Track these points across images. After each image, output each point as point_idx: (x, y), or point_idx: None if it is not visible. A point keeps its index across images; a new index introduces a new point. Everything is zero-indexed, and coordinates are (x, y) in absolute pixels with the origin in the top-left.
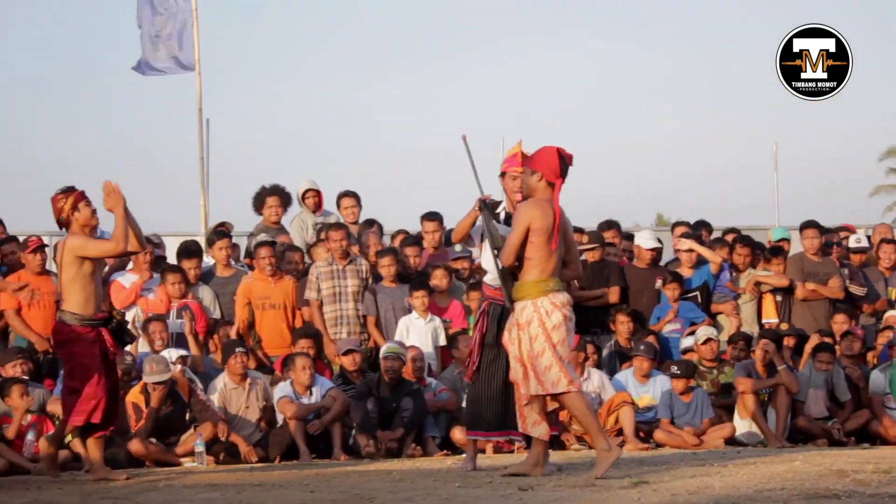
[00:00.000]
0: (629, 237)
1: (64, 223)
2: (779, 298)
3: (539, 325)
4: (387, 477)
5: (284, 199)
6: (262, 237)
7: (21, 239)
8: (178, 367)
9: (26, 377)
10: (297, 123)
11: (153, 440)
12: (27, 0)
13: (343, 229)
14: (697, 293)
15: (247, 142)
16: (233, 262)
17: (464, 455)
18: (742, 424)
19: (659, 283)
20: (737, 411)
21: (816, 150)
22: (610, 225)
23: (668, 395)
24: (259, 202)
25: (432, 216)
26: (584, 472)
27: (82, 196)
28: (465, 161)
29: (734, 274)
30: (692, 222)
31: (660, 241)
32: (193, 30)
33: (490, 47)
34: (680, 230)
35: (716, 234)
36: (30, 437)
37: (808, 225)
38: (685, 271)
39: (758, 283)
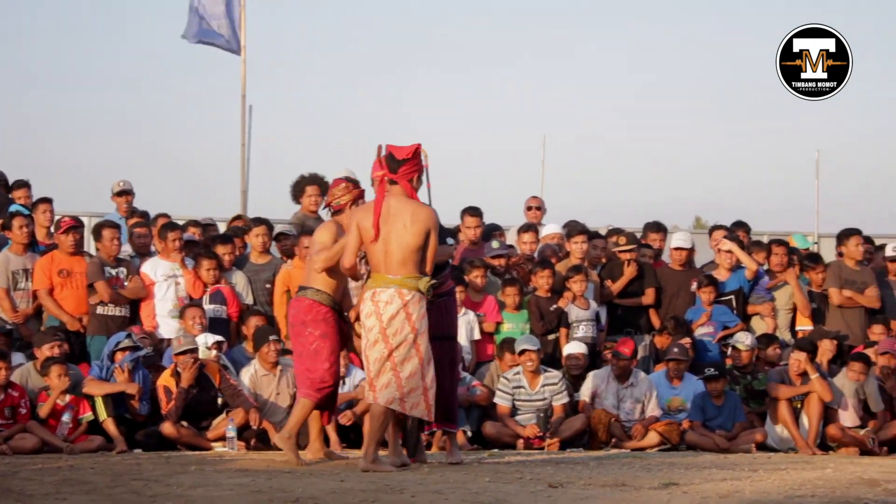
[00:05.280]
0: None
1: (333, 209)
2: (814, 305)
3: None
4: (417, 469)
5: (324, 188)
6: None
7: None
8: (214, 352)
9: (62, 358)
10: (338, 113)
11: (185, 423)
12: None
13: None
14: (732, 297)
15: (289, 130)
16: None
17: (494, 450)
18: (774, 430)
19: (694, 285)
20: (769, 417)
21: (859, 158)
22: (658, 227)
23: (700, 397)
24: (298, 191)
25: (475, 211)
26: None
27: (362, 196)
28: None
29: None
30: (729, 225)
31: (692, 242)
32: (241, 14)
33: (534, 46)
34: (719, 233)
35: (754, 239)
36: (65, 417)
37: (854, 232)
38: (721, 274)
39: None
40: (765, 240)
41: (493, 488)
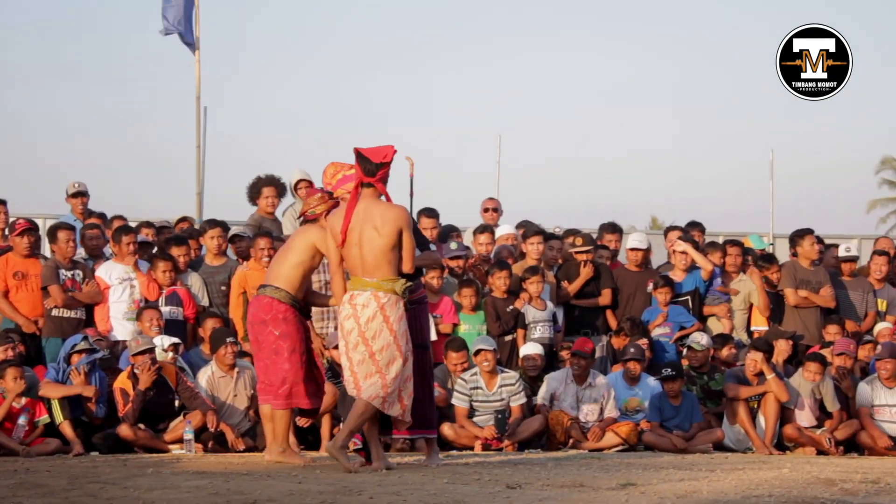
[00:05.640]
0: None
1: (308, 218)
2: (770, 305)
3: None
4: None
5: (280, 189)
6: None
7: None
8: (170, 354)
9: (18, 361)
10: (294, 114)
11: (142, 426)
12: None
13: None
14: (688, 297)
15: (244, 131)
16: (229, 253)
17: (453, 451)
18: (731, 430)
19: (650, 286)
20: (726, 417)
21: (813, 159)
22: (614, 228)
23: (657, 397)
24: (254, 192)
25: (431, 212)
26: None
27: (336, 206)
28: (407, 181)
29: (726, 277)
30: (684, 226)
31: (648, 243)
32: (195, 15)
33: (490, 47)
34: (674, 234)
35: (708, 239)
36: (21, 420)
37: (807, 232)
38: (677, 275)
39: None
40: (720, 240)
41: (451, 489)
